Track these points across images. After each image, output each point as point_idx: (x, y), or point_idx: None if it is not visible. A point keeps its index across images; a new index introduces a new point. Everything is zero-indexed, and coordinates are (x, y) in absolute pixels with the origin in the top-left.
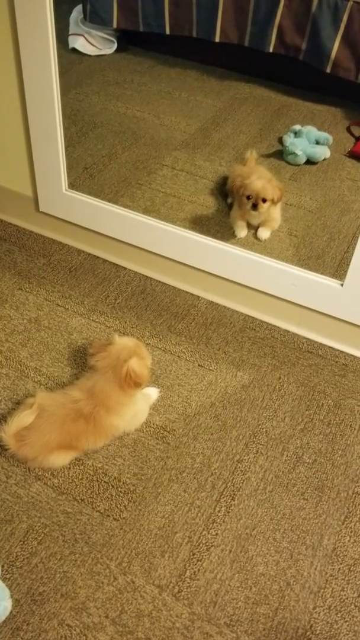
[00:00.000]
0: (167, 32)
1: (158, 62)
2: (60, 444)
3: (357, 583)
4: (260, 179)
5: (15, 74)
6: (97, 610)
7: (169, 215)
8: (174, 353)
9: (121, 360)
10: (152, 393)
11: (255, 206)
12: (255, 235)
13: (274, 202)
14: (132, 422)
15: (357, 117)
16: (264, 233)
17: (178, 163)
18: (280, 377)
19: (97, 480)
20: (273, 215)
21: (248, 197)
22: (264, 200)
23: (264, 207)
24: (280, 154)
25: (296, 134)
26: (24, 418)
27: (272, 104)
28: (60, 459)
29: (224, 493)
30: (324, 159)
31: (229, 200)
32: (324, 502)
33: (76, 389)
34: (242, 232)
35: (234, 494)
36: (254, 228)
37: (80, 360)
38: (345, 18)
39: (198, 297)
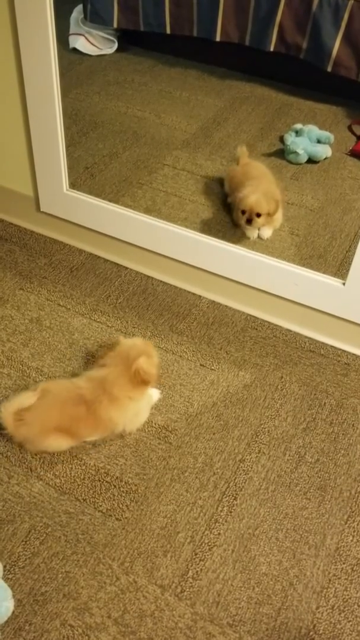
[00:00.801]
0: (168, 31)
1: (159, 62)
2: (59, 426)
3: None
4: (254, 192)
5: (15, 74)
6: (100, 610)
7: (170, 215)
8: (175, 353)
9: (131, 358)
10: (153, 394)
11: (249, 221)
12: (257, 234)
13: (269, 215)
14: (133, 421)
15: (359, 115)
16: (266, 232)
17: (179, 162)
18: (282, 377)
19: (99, 480)
20: (275, 220)
21: (243, 212)
22: (259, 215)
23: (258, 222)
24: (282, 153)
25: (297, 133)
26: (25, 398)
27: (273, 103)
28: (57, 442)
29: (226, 493)
30: (326, 158)
31: (229, 200)
32: (327, 502)
33: (84, 377)
34: (253, 233)
35: (237, 494)
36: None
37: (82, 360)
38: (346, 16)
39: (199, 296)
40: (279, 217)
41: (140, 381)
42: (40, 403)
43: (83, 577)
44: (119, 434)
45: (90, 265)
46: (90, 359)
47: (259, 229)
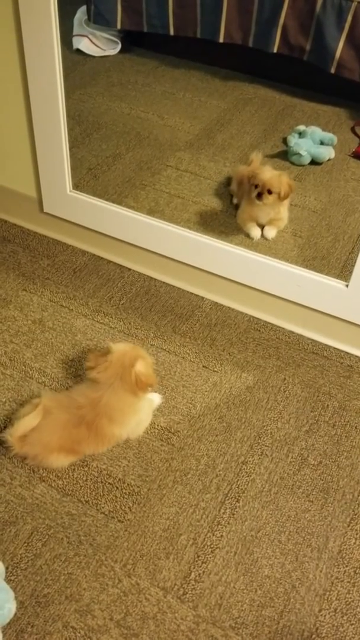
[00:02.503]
0: (171, 32)
1: (162, 63)
2: (62, 446)
3: None
4: (271, 171)
5: (19, 75)
6: (102, 612)
7: (173, 216)
8: (178, 354)
9: (127, 366)
10: (154, 398)
11: (260, 195)
12: (261, 234)
13: (280, 197)
14: (136, 430)
15: None
16: (271, 232)
17: (182, 164)
18: (285, 379)
19: (102, 482)
20: (281, 214)
21: (255, 186)
22: (270, 192)
23: (269, 198)
24: (285, 154)
25: (300, 134)
26: (30, 421)
27: (276, 105)
28: (60, 460)
29: (229, 495)
30: (329, 160)
31: (235, 201)
32: (330, 504)
33: (81, 394)
34: (255, 232)
35: (239, 496)
36: (262, 227)
37: (85, 362)
38: (349, 18)
39: (202, 298)
40: (284, 217)
41: (144, 386)
42: (42, 424)
43: (85, 579)
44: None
45: (93, 267)
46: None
47: (262, 231)
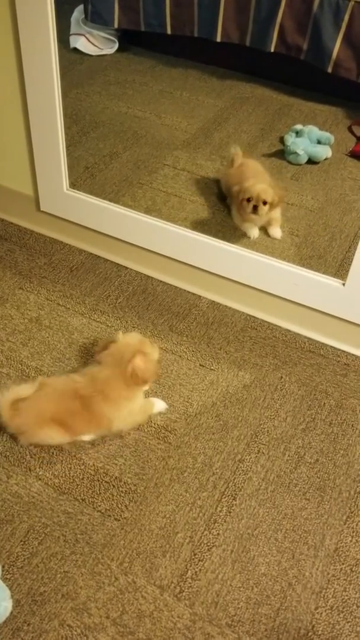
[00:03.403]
0: (169, 31)
1: (159, 62)
2: (54, 418)
3: (359, 583)
4: (260, 182)
5: (16, 74)
6: (98, 610)
7: (170, 215)
8: (175, 353)
9: (125, 359)
10: (157, 404)
11: (255, 208)
12: (266, 234)
13: (272, 206)
14: (126, 420)
15: (359, 116)
16: (276, 232)
17: (179, 162)
18: (281, 377)
19: (98, 480)
20: (275, 214)
21: (248, 200)
22: (265, 203)
23: (264, 209)
24: (282, 153)
25: (297, 133)
26: (22, 389)
27: (273, 104)
28: (51, 434)
29: (226, 493)
30: (326, 159)
31: (229, 201)
32: (326, 502)
33: (80, 373)
34: (253, 232)
35: (236, 494)
36: (262, 227)
37: (82, 360)
38: (346, 18)
39: (199, 296)
40: (279, 216)
41: (138, 380)
42: (36, 394)
43: (82, 577)
44: (116, 433)
45: (90, 265)
46: (90, 358)
47: (259, 229)
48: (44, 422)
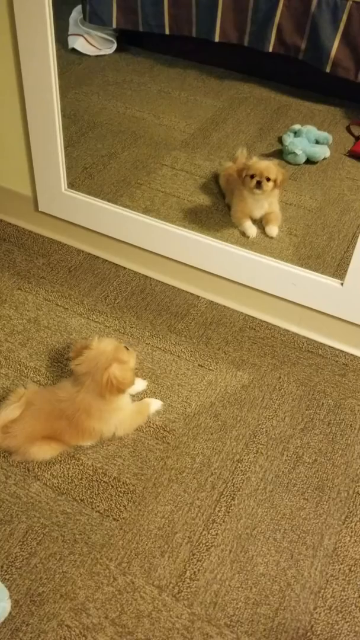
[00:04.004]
0: (167, 32)
1: (157, 62)
2: (45, 435)
3: (358, 583)
4: (263, 160)
5: (14, 74)
6: (97, 611)
7: (169, 215)
8: (173, 353)
9: (100, 368)
10: (153, 404)
11: (259, 184)
12: (264, 233)
13: (276, 185)
14: (121, 427)
15: (357, 116)
16: (273, 230)
17: (177, 163)
18: (280, 377)
19: (97, 481)
20: (273, 206)
21: (252, 177)
22: (268, 179)
23: (268, 185)
24: (280, 153)
25: (296, 133)
26: (11, 411)
27: (271, 104)
28: (44, 451)
29: (224, 493)
30: (324, 159)
31: (227, 201)
32: (325, 502)
33: (63, 388)
34: (251, 231)
35: (234, 494)
36: (261, 227)
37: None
38: (344, 17)
39: (198, 296)
40: (277, 211)
41: (114, 390)
42: (25, 415)
43: (80, 578)
44: (114, 436)
45: (89, 266)
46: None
47: (257, 228)
48: (35, 440)
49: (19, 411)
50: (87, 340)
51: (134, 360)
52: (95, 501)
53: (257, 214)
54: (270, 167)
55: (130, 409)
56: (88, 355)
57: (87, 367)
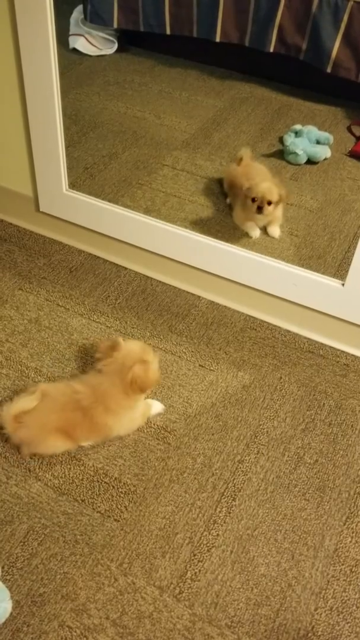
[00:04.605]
0: (168, 32)
1: (158, 62)
2: (57, 429)
3: (359, 584)
4: (265, 180)
5: (15, 74)
6: (98, 611)
7: (170, 215)
8: (174, 353)
9: (126, 366)
10: (155, 405)
11: (260, 209)
12: (266, 233)
13: (277, 204)
14: (127, 426)
15: (358, 116)
16: (275, 231)
17: (179, 163)
18: (281, 377)
19: (98, 481)
20: (276, 213)
21: (253, 200)
22: (269, 203)
23: (269, 209)
24: (281, 153)
25: (297, 133)
26: (26, 402)
27: (272, 104)
28: (55, 445)
29: (225, 494)
30: (325, 159)
31: (228, 201)
32: (326, 503)
33: (80, 382)
34: (254, 231)
35: (235, 495)
36: (262, 228)
37: (81, 361)
38: (345, 18)
39: (199, 297)
40: (280, 215)
41: (137, 389)
42: (39, 406)
43: (81, 578)
44: (114, 437)
45: (90, 266)
46: (89, 360)
47: (260, 229)
48: (48, 432)
49: (34, 402)
50: (112, 339)
51: (156, 362)
52: (96, 502)
53: (260, 223)
54: (271, 190)
55: (140, 409)
56: (117, 355)
57: (115, 366)
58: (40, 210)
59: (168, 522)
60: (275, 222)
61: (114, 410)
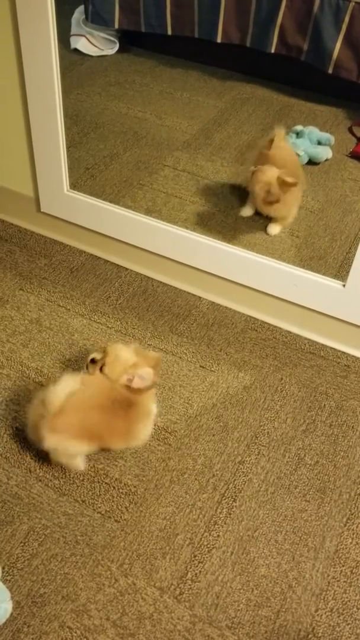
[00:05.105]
0: (169, 32)
1: (160, 63)
2: (93, 433)
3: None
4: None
5: (16, 74)
6: (98, 612)
7: (171, 216)
8: (175, 354)
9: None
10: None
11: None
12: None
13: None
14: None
15: (359, 117)
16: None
17: (180, 163)
18: (282, 378)
19: (99, 482)
20: (284, 212)
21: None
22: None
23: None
24: None
25: (298, 134)
26: (70, 384)
27: (273, 105)
28: (80, 447)
29: (226, 494)
30: (326, 160)
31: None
32: (326, 504)
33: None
34: (247, 211)
35: (236, 496)
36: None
37: (82, 361)
38: (346, 18)
39: (199, 297)
40: (288, 215)
41: (139, 392)
42: (78, 405)
43: (82, 579)
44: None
45: (91, 266)
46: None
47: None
48: (82, 432)
49: (77, 384)
50: (101, 348)
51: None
52: (96, 502)
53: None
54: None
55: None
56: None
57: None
58: (41, 210)
59: (168, 523)
60: (279, 222)
61: (145, 416)
